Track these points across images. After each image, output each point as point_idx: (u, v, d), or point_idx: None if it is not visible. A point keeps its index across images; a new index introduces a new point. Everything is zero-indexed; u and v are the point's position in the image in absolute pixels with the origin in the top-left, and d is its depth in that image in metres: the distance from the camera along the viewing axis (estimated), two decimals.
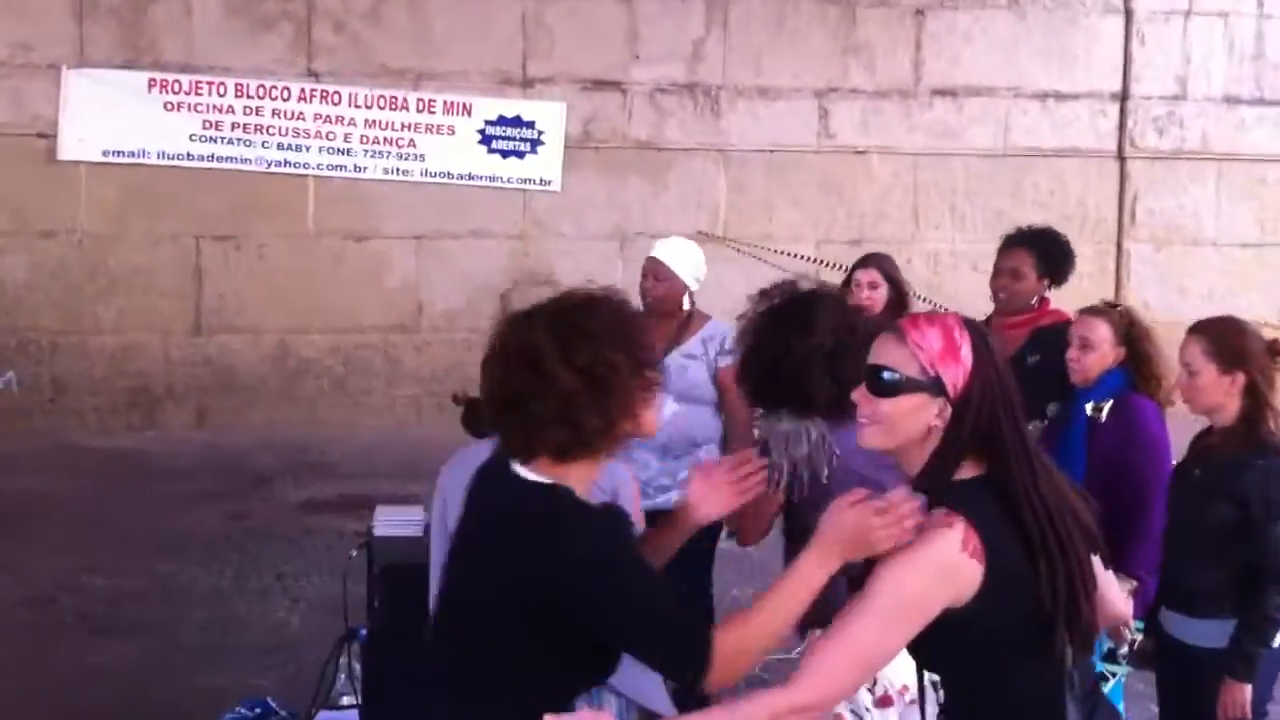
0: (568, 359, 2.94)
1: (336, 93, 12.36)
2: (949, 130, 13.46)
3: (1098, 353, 5.32)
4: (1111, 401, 5.27)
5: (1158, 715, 5.03)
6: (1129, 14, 13.78)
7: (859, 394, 2.96)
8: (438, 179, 12.58)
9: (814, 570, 2.91)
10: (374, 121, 12.43)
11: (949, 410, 2.87)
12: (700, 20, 12.96)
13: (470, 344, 12.27)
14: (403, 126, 12.48)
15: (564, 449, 2.98)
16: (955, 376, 2.87)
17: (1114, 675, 5.05)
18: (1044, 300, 6.44)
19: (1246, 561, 4.50)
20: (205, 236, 12.27)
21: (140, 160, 12.06)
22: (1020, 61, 13.55)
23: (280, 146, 12.29)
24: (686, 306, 6.10)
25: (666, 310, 6.00)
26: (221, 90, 12.14)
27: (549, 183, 12.78)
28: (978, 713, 2.91)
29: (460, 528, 3.17)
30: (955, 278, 13.12)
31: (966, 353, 2.89)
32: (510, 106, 12.67)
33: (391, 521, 5.41)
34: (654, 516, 3.82)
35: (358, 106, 12.39)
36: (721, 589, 6.13)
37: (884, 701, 3.97)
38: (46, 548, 8.79)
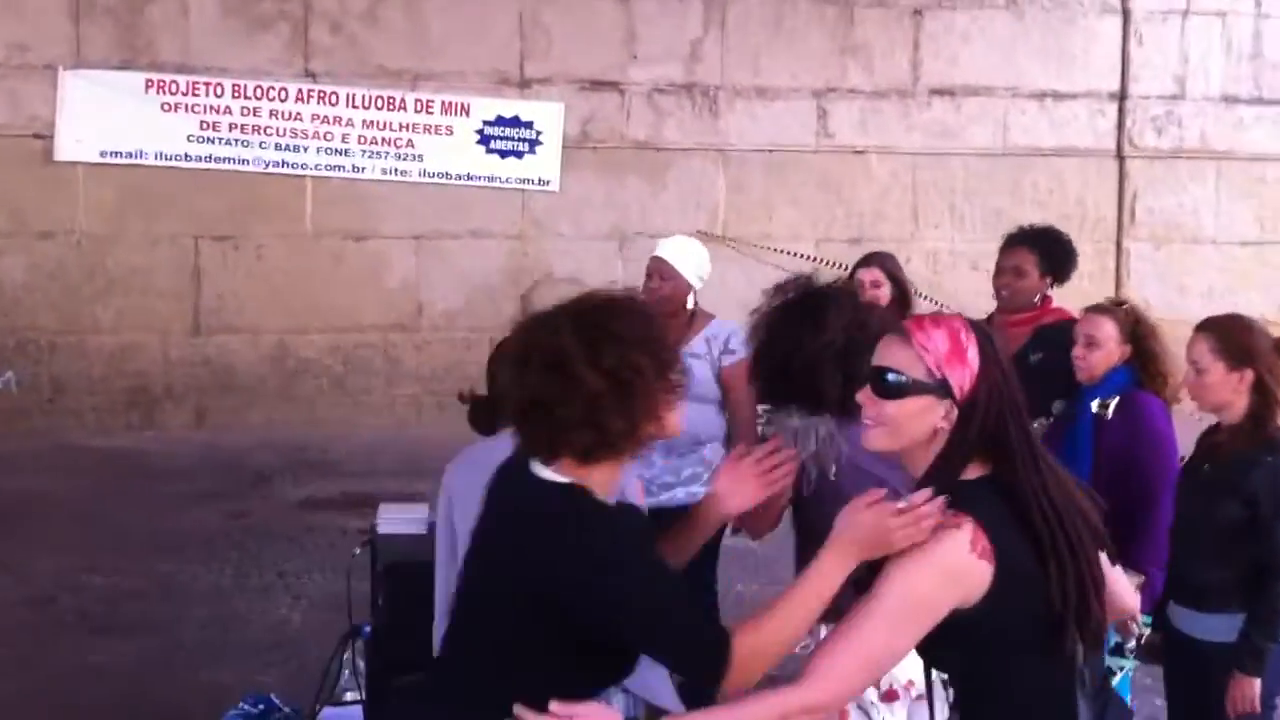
0: (594, 361, 2.91)
1: (334, 93, 12.34)
2: (947, 130, 13.46)
3: (1103, 350, 5.31)
4: (1117, 399, 5.27)
5: (1163, 709, 5.02)
6: (1126, 14, 13.79)
7: (864, 395, 2.95)
8: (436, 179, 12.57)
9: (831, 570, 2.90)
10: (372, 122, 12.42)
11: (955, 412, 2.86)
12: (698, 20, 12.95)
13: (470, 343, 12.29)
14: (401, 127, 12.47)
15: (588, 451, 2.96)
16: (962, 379, 2.86)
17: (1121, 670, 5.05)
18: (1046, 299, 6.44)
19: (1255, 558, 4.49)
20: (204, 237, 12.26)
21: (138, 161, 12.05)
22: (1018, 61, 13.55)
23: (278, 147, 12.27)
24: (690, 305, 6.09)
25: (671, 310, 5.98)
26: (219, 91, 12.13)
27: (547, 183, 12.77)
28: (987, 712, 2.90)
29: (479, 527, 3.15)
30: (954, 277, 13.12)
31: (973, 355, 2.88)
32: (508, 107, 12.66)
33: (395, 519, 5.39)
34: (656, 514, 3.81)
35: (355, 107, 12.38)
36: (726, 585, 6.12)
37: (889, 696, 3.97)
38: (46, 547, 8.77)
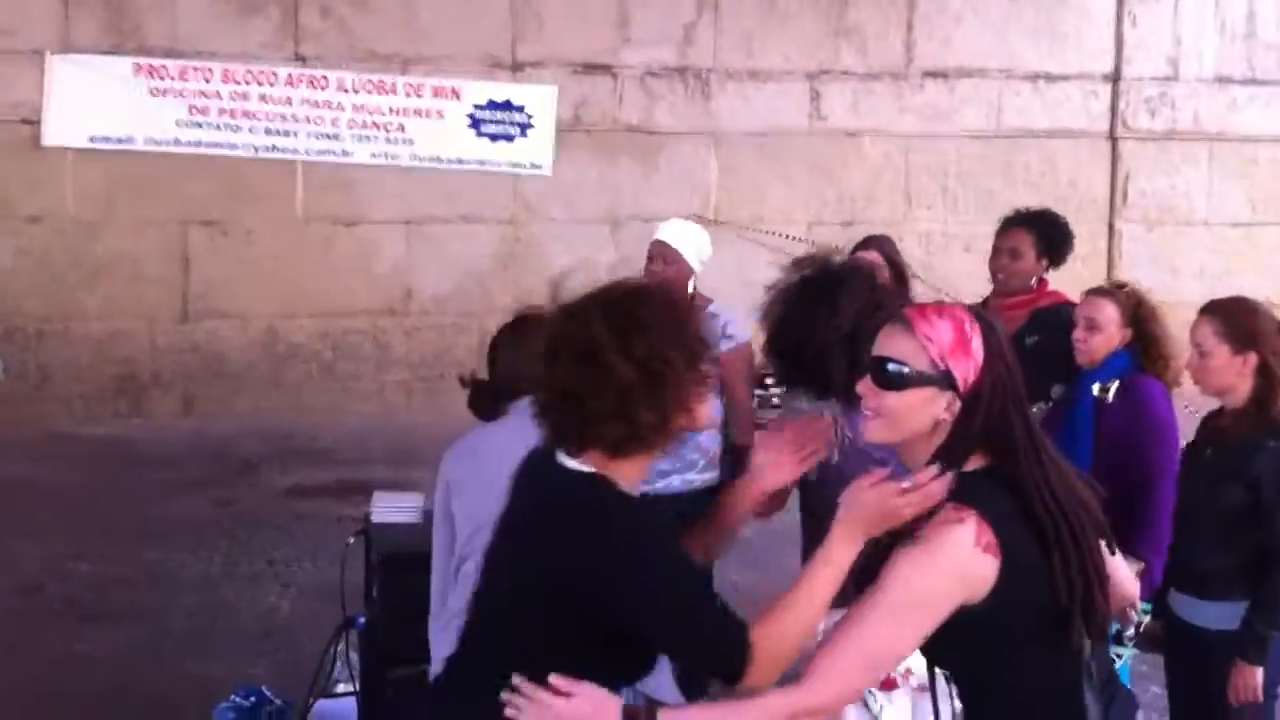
0: (626, 351, 2.85)
1: (324, 77, 12.27)
2: (940, 112, 13.43)
3: (1104, 334, 5.27)
4: (1118, 382, 5.22)
5: (1159, 696, 5.00)
6: None
7: (864, 386, 2.88)
8: (427, 163, 12.50)
9: (840, 553, 2.85)
10: (362, 106, 12.35)
11: (958, 404, 2.80)
12: (691, 3, 12.89)
13: (460, 328, 12.26)
14: (391, 111, 12.40)
15: (618, 444, 2.91)
16: (966, 371, 2.80)
17: (1120, 658, 5.01)
18: (1042, 282, 6.41)
19: (1258, 544, 4.46)
20: (192, 222, 12.18)
21: (126, 146, 11.96)
22: (1011, 42, 13.52)
23: (268, 131, 12.20)
24: (690, 290, 6.04)
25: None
26: (208, 75, 12.05)
27: (539, 167, 12.71)
28: (993, 708, 2.86)
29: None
30: (947, 259, 13.07)
31: (977, 346, 2.82)
32: (500, 90, 12.59)
33: (389, 508, 5.34)
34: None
35: (346, 91, 12.31)
36: (722, 575, 6.05)
37: (888, 684, 3.92)
38: (33, 535, 8.72)
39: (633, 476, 2.98)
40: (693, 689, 3.97)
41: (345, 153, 12.35)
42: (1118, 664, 4.94)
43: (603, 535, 2.83)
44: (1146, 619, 4.91)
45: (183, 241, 12.17)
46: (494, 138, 12.58)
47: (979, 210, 12.77)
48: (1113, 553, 3.06)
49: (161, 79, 11.97)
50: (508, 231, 12.71)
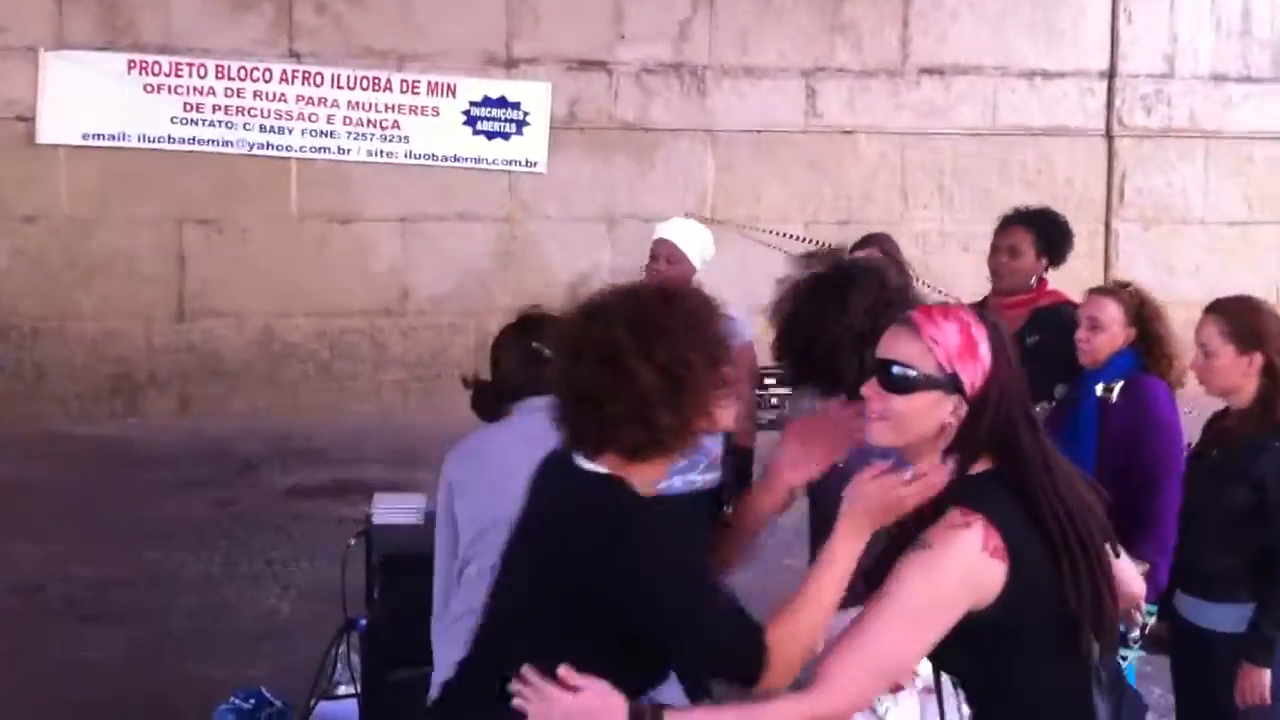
0: (647, 355, 2.82)
1: (319, 74, 12.24)
2: (936, 109, 13.42)
3: (1108, 333, 5.24)
4: (1122, 382, 5.20)
5: (1162, 698, 4.99)
6: None
7: (869, 389, 2.86)
8: (422, 161, 12.48)
9: (847, 547, 2.82)
10: (357, 103, 12.32)
11: (964, 408, 2.78)
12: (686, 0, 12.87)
13: (457, 327, 12.23)
14: (386, 108, 12.38)
15: (636, 449, 2.88)
16: (974, 375, 2.78)
17: (1124, 659, 5.00)
18: (1042, 281, 6.38)
19: (1263, 545, 4.43)
20: (187, 220, 12.15)
21: (120, 143, 11.93)
22: (1008, 39, 13.51)
23: (262, 129, 12.17)
24: None
25: None
26: (202, 72, 12.02)
27: (534, 164, 12.68)
28: (1001, 713, 2.83)
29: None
30: (943, 257, 13.05)
31: (985, 350, 2.79)
32: (495, 87, 12.57)
33: (390, 509, 5.32)
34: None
35: (340, 88, 12.28)
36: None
37: (893, 687, 3.90)
38: (31, 535, 8.69)
39: (650, 479, 2.95)
40: (695, 691, 3.94)
41: (340, 150, 12.33)
42: (1123, 666, 4.94)
43: (620, 537, 2.81)
44: (1151, 620, 4.90)
45: (178, 240, 12.14)
46: (489, 135, 12.56)
47: (975, 209, 12.76)
48: (1116, 555, 3.04)
49: (155, 76, 11.94)
50: (504, 229, 12.68)
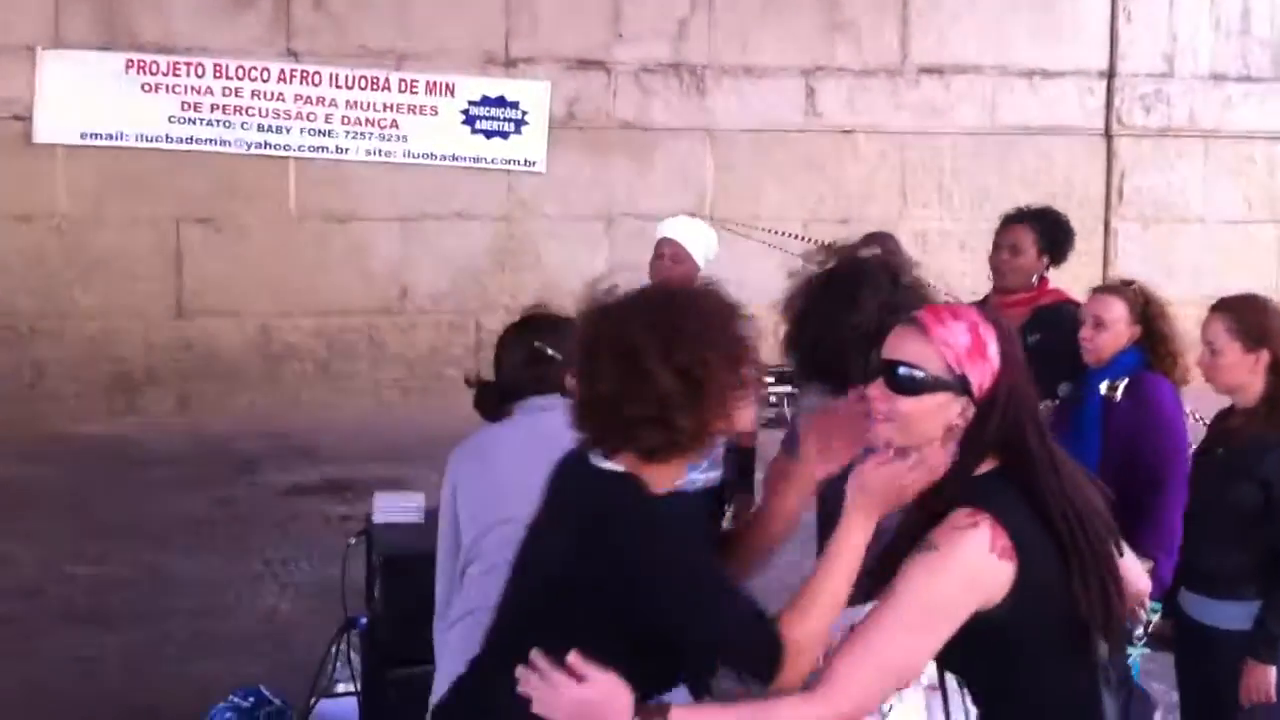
0: (666, 357, 2.81)
1: (317, 73, 12.23)
2: (936, 109, 13.41)
3: (1112, 332, 5.23)
4: (1126, 380, 5.19)
5: (1164, 694, 4.96)
6: None
7: (875, 390, 2.82)
8: (421, 160, 12.47)
9: (855, 536, 2.80)
10: (355, 102, 12.31)
11: (972, 410, 2.75)
12: None
13: (455, 326, 12.22)
14: (385, 107, 12.37)
15: (654, 450, 2.86)
16: (982, 376, 2.74)
17: (1128, 657, 4.98)
18: (1044, 279, 6.37)
19: (1269, 543, 4.42)
20: (185, 219, 12.14)
21: (118, 143, 11.92)
22: (1007, 39, 13.51)
23: (260, 128, 12.16)
24: None
25: None
26: (200, 71, 12.00)
27: (533, 163, 12.68)
28: (1009, 715, 2.81)
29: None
30: (943, 257, 13.01)
31: (994, 351, 2.76)
32: (493, 86, 12.56)
33: (391, 508, 5.29)
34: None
35: (339, 87, 12.27)
36: None
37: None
38: (30, 535, 8.67)
39: (667, 479, 2.93)
40: (697, 690, 3.92)
41: (339, 149, 12.32)
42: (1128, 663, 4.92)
43: (635, 536, 2.79)
44: (1156, 618, 4.89)
45: (176, 239, 12.13)
46: (488, 134, 12.55)
47: (974, 208, 12.76)
48: (1120, 554, 3.02)
49: (153, 75, 11.93)
50: (502, 228, 12.67)
